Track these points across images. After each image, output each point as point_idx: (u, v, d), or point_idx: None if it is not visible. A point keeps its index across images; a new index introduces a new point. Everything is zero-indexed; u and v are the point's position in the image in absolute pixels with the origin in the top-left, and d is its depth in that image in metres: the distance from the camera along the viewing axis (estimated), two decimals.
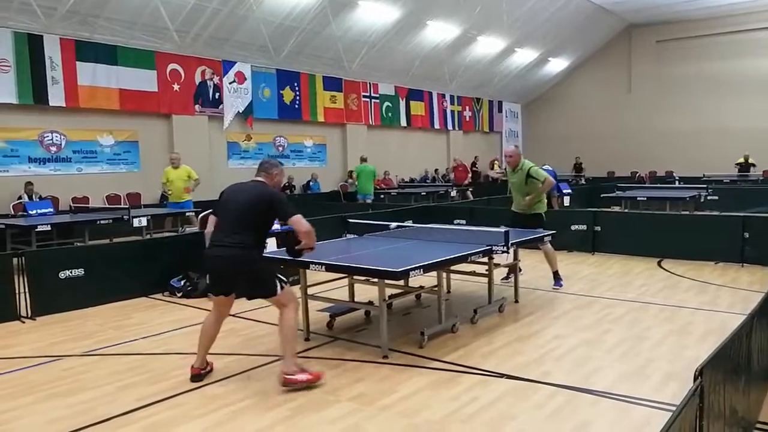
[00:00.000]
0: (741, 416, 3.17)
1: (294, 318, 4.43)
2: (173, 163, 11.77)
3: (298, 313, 4.55)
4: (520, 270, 7.69)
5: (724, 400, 2.79)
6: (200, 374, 4.64)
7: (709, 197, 14.19)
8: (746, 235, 8.78)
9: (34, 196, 12.12)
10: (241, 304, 7.11)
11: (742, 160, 21.36)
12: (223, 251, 4.32)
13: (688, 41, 25.03)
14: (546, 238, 7.12)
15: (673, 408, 2.48)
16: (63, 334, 6.06)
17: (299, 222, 4.35)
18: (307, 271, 5.47)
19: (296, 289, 6.29)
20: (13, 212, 11.84)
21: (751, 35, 23.68)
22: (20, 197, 12.35)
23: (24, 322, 6.50)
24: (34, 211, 10.85)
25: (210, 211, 4.89)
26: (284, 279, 4.52)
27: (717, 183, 18.22)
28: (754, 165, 21.25)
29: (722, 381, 2.75)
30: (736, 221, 9.04)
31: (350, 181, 19.10)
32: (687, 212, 12.66)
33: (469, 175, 22.59)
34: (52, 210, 11.31)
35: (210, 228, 4.69)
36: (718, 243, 8.98)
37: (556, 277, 7.62)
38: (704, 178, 19.40)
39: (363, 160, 16.32)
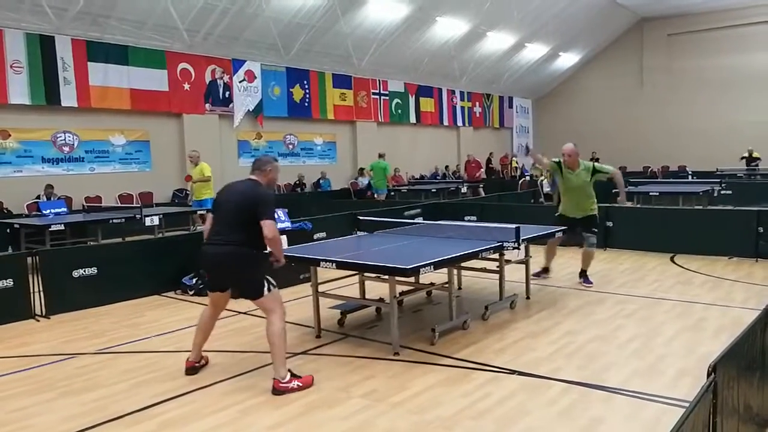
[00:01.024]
0: (755, 413, 3.14)
1: (281, 324, 4.40)
2: (191, 160, 11.96)
3: (284, 318, 4.49)
4: (546, 273, 7.78)
5: (738, 397, 2.77)
6: (195, 367, 4.74)
7: (722, 192, 14.07)
8: (760, 229, 8.68)
9: (52, 198, 12.22)
10: (251, 303, 7.15)
11: (746, 154, 21.21)
12: (216, 249, 4.44)
13: (700, 34, 24.78)
14: (593, 240, 7.28)
15: (687, 404, 2.47)
16: (77, 332, 6.12)
17: (268, 226, 4.29)
18: (318, 268, 5.48)
19: (307, 287, 6.33)
20: (27, 212, 11.95)
21: (764, 28, 23.39)
22: (38, 197, 12.47)
23: (38, 321, 6.56)
24: (48, 211, 10.94)
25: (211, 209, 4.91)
26: (273, 282, 4.49)
27: (731, 177, 18.04)
28: (759, 159, 21.08)
29: (736, 377, 2.73)
30: (751, 216, 8.94)
31: (361, 178, 19.23)
32: (700, 207, 12.55)
33: (482, 170, 22.52)
34: (65, 209, 11.39)
35: (207, 226, 4.77)
36: (731, 238, 8.89)
37: (584, 275, 7.48)
38: (717, 173, 19.21)
39: (380, 156, 16.64)
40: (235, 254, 4.38)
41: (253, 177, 4.66)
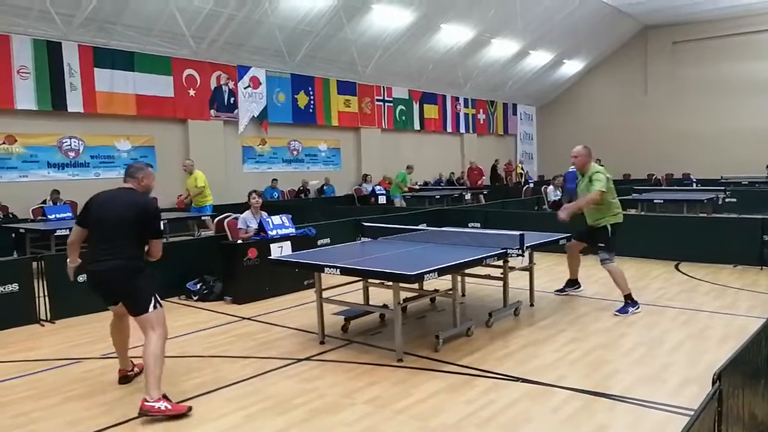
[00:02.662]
0: (760, 421, 3.13)
1: (160, 345, 4.14)
2: (185, 169, 12.04)
3: (165, 340, 4.25)
4: (571, 286, 7.39)
5: (743, 405, 2.76)
6: (127, 376, 4.72)
7: (727, 199, 14.01)
8: (766, 237, 8.66)
9: (58, 203, 12.25)
10: (255, 309, 7.16)
11: None
12: (106, 265, 4.15)
13: (704, 42, 24.76)
14: (604, 256, 6.42)
15: (691, 413, 2.46)
16: (81, 337, 6.15)
17: (158, 246, 4.35)
18: (322, 274, 5.49)
19: (311, 293, 6.34)
20: (32, 217, 11.99)
21: None
22: (44, 202, 12.51)
23: (43, 326, 6.59)
24: (53, 216, 10.98)
25: (78, 220, 4.46)
26: (160, 302, 4.28)
27: (735, 185, 17.98)
28: None
29: (741, 385, 2.72)
30: (755, 223, 8.92)
31: (365, 184, 19.31)
32: (705, 215, 12.51)
33: (484, 177, 22.54)
34: (70, 214, 11.40)
35: (73, 238, 4.46)
36: (736, 246, 8.86)
37: (626, 300, 6.44)
38: (722, 180, 19.15)
39: (407, 167, 17.54)
40: (122, 268, 4.15)
41: (127, 185, 4.36)
